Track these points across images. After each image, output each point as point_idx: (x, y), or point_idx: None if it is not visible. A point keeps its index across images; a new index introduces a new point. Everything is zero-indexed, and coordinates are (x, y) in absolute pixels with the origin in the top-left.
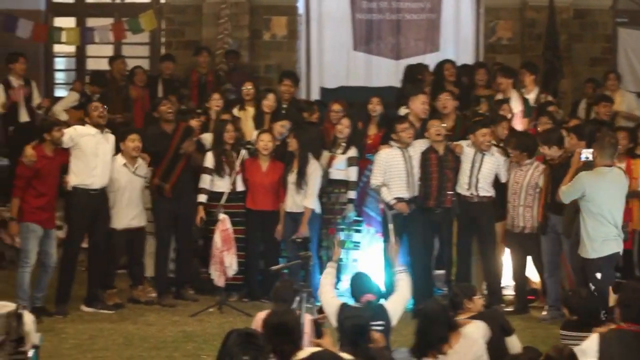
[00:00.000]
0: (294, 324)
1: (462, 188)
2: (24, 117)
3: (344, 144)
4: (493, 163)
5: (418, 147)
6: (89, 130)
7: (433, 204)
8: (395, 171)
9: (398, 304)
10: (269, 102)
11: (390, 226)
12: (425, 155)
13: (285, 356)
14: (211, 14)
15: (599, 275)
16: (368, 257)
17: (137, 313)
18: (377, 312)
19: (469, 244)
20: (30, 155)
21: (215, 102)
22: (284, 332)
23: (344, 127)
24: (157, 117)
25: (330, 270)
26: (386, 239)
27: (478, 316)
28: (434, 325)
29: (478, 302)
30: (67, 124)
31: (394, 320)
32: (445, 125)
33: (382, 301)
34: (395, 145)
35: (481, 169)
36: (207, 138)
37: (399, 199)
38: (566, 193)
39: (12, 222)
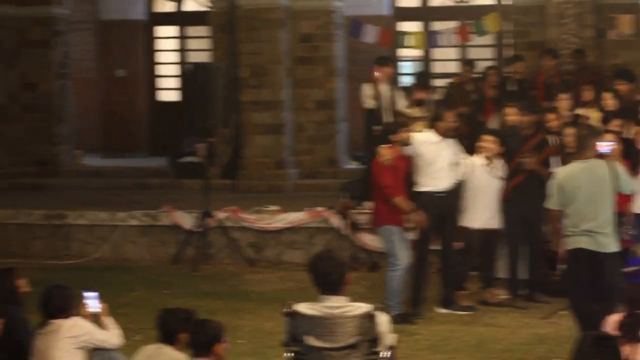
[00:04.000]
0: None
1: None
2: (387, 119)
3: None
4: None
5: None
6: (429, 137)
7: None
8: None
9: None
10: (604, 101)
11: None
12: None
13: None
14: (555, 14)
15: None
16: None
17: (488, 315)
18: None
19: None
20: (386, 153)
21: (564, 102)
22: None
23: None
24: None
25: None
26: None
27: None
28: None
29: None
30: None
31: None
32: None
33: None
34: None
35: None
36: None
37: None
38: None
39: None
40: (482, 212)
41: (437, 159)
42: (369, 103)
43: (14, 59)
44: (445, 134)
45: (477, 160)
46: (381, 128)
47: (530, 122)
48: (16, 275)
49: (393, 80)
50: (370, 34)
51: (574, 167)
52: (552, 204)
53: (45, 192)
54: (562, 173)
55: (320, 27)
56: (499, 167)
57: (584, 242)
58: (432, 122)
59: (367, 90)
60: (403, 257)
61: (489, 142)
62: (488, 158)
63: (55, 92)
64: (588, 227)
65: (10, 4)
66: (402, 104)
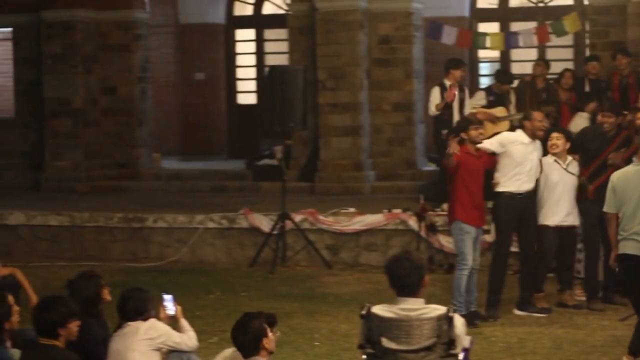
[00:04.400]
0: None
1: None
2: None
3: None
4: None
5: None
6: (520, 137)
7: None
8: None
9: None
10: None
11: None
12: None
13: None
14: (636, 13)
15: None
16: None
17: (565, 317)
18: None
19: None
20: (454, 146)
21: None
22: None
23: None
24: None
25: None
26: None
27: None
28: None
29: None
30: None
31: None
32: None
33: None
34: None
35: None
36: None
37: None
38: None
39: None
40: (556, 210)
41: (524, 161)
42: (433, 111)
43: (94, 63)
44: (533, 134)
45: (549, 158)
46: (447, 132)
47: (614, 123)
48: (101, 284)
49: (463, 82)
50: (449, 36)
51: (629, 169)
52: (607, 206)
53: (125, 195)
54: (617, 175)
55: (399, 28)
56: (572, 164)
57: (629, 247)
58: (521, 122)
59: (434, 95)
60: (470, 257)
61: (557, 139)
62: (557, 154)
63: (135, 95)
64: (635, 230)
65: (90, 8)
66: (479, 104)
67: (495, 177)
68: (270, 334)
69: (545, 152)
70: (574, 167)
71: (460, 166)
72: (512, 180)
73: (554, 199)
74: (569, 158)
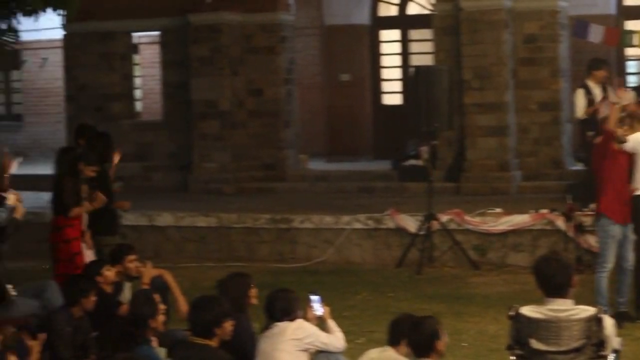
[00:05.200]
0: None
1: None
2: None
3: None
4: None
5: None
6: None
7: None
8: None
9: None
10: None
11: None
12: None
13: None
14: None
15: None
16: None
17: None
18: None
19: None
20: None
21: None
22: None
23: None
24: None
25: None
26: None
27: None
28: None
29: None
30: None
31: None
32: None
33: None
34: None
35: None
36: None
37: None
38: None
39: None
40: None
41: None
42: (580, 113)
43: (240, 66)
44: None
45: None
46: (594, 134)
47: None
48: (250, 284)
49: (607, 82)
50: (596, 34)
51: None
52: None
53: (271, 196)
54: None
55: (545, 27)
56: None
57: None
58: None
59: (579, 98)
60: (612, 260)
61: None
62: None
63: (280, 97)
64: None
65: (236, 11)
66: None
67: (634, 178)
68: (444, 337)
69: None
70: None
71: (607, 160)
72: None
73: None
74: None
